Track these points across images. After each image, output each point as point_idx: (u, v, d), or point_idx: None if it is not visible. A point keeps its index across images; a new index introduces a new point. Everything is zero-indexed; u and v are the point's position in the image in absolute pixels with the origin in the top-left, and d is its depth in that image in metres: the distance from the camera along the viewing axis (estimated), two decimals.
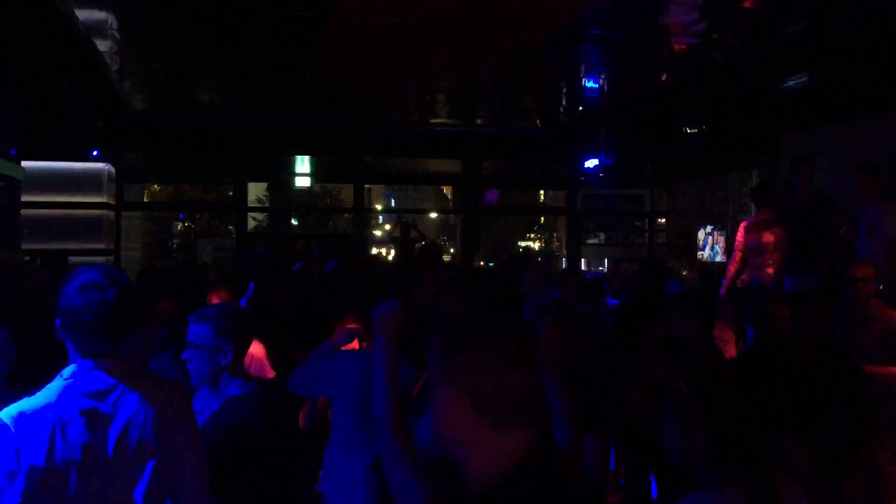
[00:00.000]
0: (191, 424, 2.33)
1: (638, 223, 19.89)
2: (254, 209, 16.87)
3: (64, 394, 2.10)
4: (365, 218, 14.68)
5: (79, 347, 2.16)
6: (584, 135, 11.68)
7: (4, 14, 5.46)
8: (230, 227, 21.95)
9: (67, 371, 2.15)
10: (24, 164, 7.53)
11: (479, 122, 13.03)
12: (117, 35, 7.51)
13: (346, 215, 22.20)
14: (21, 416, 2.03)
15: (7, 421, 2.02)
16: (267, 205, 18.39)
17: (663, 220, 16.28)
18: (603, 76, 9.21)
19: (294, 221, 22.27)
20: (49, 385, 2.13)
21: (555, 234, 30.25)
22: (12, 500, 1.97)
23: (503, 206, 23.43)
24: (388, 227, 33.75)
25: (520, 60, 8.32)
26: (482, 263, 13.16)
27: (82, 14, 6.74)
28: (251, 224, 16.70)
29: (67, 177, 10.50)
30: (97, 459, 2.08)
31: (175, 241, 23.10)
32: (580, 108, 11.19)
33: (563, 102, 11.01)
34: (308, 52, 7.91)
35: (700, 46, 7.56)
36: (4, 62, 5.87)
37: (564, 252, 16.14)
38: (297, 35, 7.35)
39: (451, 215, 30.08)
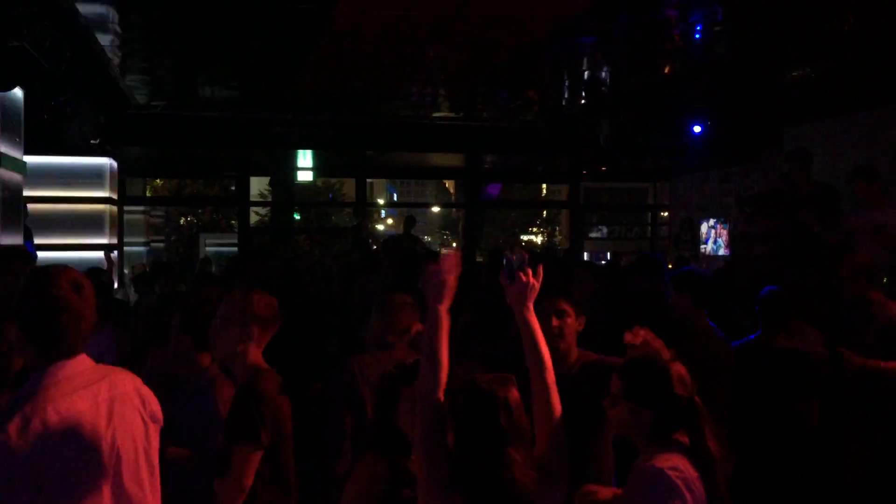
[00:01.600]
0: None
1: (640, 217, 19.89)
2: (256, 203, 16.89)
3: None
4: (367, 212, 14.70)
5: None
6: (587, 127, 11.67)
7: (6, 7, 5.46)
8: (233, 222, 22.01)
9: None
10: (27, 158, 7.54)
11: (482, 115, 13.03)
12: (118, 29, 7.51)
13: (347, 210, 22.24)
14: None
15: None
16: (269, 199, 18.41)
17: (665, 214, 16.28)
18: (605, 68, 9.21)
19: (296, 216, 22.29)
20: None
21: (557, 228, 30.25)
22: None
23: (505, 200, 23.46)
24: (390, 221, 33.79)
25: (521, 53, 8.31)
26: (484, 258, 13.19)
27: (83, 7, 6.75)
28: (253, 218, 16.72)
29: (70, 172, 10.52)
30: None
31: (173, 236, 23.13)
32: (582, 101, 11.19)
33: (566, 95, 11.00)
34: (310, 45, 7.91)
35: (701, 38, 7.56)
36: (6, 56, 5.87)
37: (567, 246, 16.12)
38: (298, 28, 7.35)
39: (454, 209, 30.09)
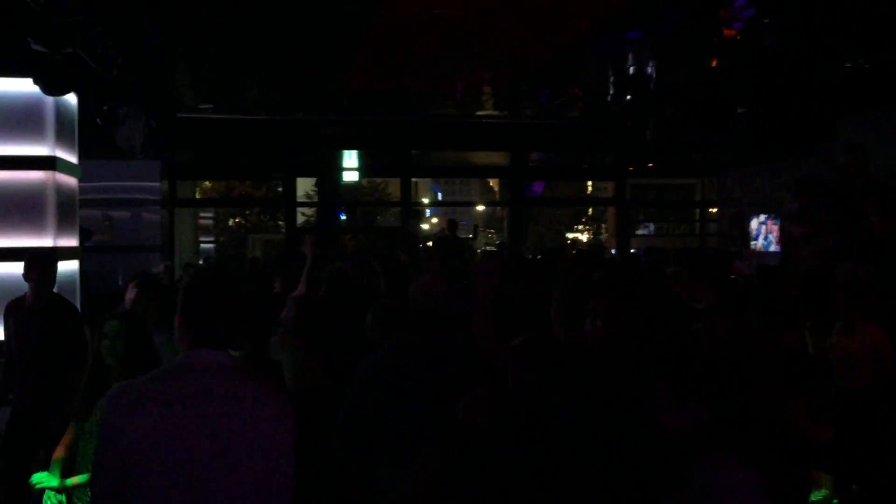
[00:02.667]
0: None
1: (688, 213, 19.60)
2: (303, 204, 17.06)
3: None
4: (411, 211, 14.75)
5: None
6: (632, 123, 11.57)
7: (60, 15, 5.60)
8: (280, 222, 22.28)
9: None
10: (80, 162, 7.73)
11: (525, 113, 12.99)
12: (167, 35, 7.67)
13: (393, 209, 22.35)
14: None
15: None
16: (315, 200, 18.59)
17: (714, 210, 16.02)
18: (650, 63, 9.11)
19: (342, 216, 22.46)
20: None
21: (603, 226, 29.98)
22: None
23: (550, 198, 23.30)
24: (434, 220, 33.84)
25: (565, 49, 8.26)
26: (530, 256, 13.14)
27: (133, 14, 6.91)
28: (300, 219, 16.90)
29: (122, 175, 10.76)
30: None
31: (222, 237, 23.53)
32: (627, 97, 11.08)
33: (611, 91, 10.91)
34: (354, 46, 7.97)
35: (750, 32, 7.42)
36: (62, 63, 6.03)
37: (614, 243, 15.98)
38: (343, 30, 7.41)
39: (498, 207, 30.01)
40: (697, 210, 17.32)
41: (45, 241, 6.69)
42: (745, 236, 13.63)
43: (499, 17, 6.94)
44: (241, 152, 13.69)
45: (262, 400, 2.27)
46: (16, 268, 6.39)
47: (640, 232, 20.78)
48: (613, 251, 14.92)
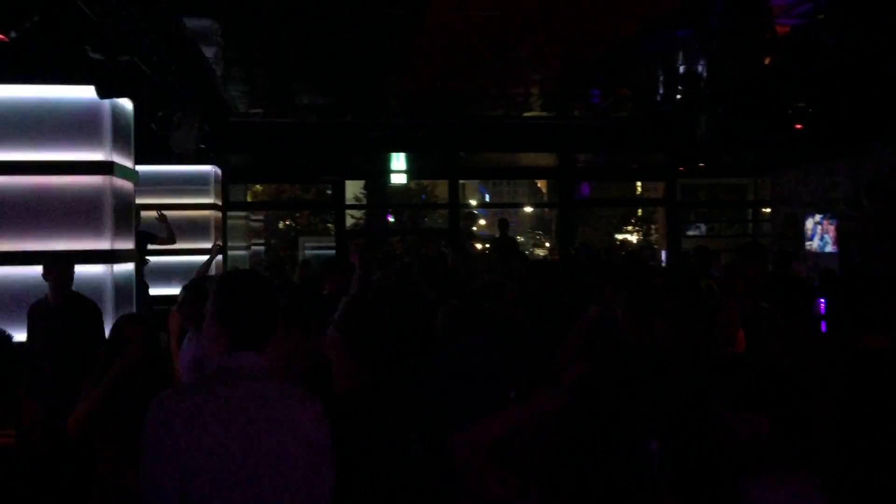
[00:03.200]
0: None
1: (740, 213, 19.28)
2: (352, 207, 17.21)
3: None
4: (459, 213, 14.77)
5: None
6: (683, 122, 11.40)
7: (116, 22, 5.74)
8: (329, 225, 22.51)
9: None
10: (137, 167, 7.92)
11: (574, 113, 12.91)
12: (220, 41, 7.81)
13: (440, 211, 22.39)
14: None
15: None
16: (364, 202, 18.74)
17: (768, 210, 15.72)
18: (702, 61, 8.98)
19: (390, 218, 22.60)
20: None
21: (653, 227, 29.63)
22: None
23: (599, 199, 23.10)
24: (482, 222, 33.81)
25: (614, 49, 8.19)
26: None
27: (188, 21, 7.05)
28: (349, 221, 17.06)
29: (177, 179, 10.98)
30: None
31: (273, 239, 23.86)
32: (678, 96, 10.93)
33: (660, 90, 10.78)
34: (403, 49, 8.02)
35: (805, 28, 7.27)
36: (118, 70, 6.18)
37: (664, 244, 15.79)
38: (391, 34, 7.46)
39: (546, 209, 29.89)
40: (750, 210, 17.03)
41: (103, 244, 6.87)
42: (800, 237, 13.35)
43: (548, 19, 6.92)
44: (292, 156, 13.87)
45: (303, 401, 2.30)
46: (76, 269, 6.60)
47: (691, 233, 20.51)
48: (664, 253, 14.74)
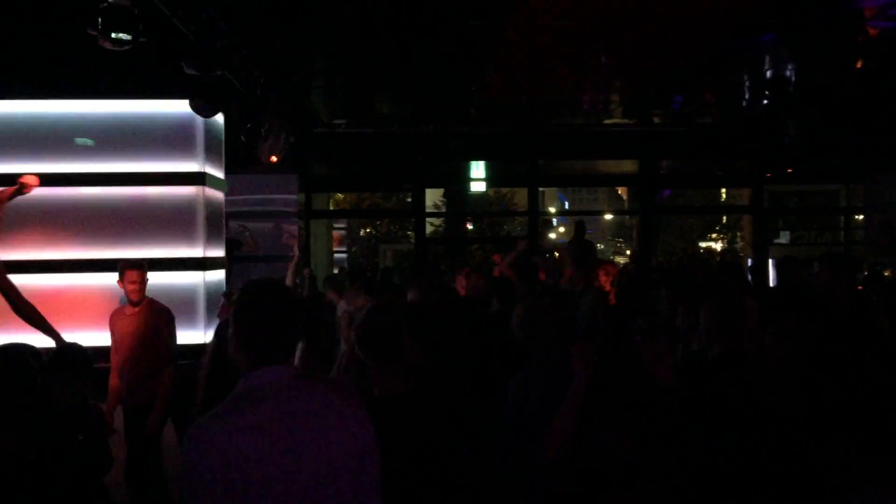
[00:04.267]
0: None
1: (831, 221, 18.61)
2: (431, 214, 17.35)
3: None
4: (539, 221, 14.72)
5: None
6: (770, 128, 11.13)
7: (210, 39, 5.99)
8: (409, 232, 22.77)
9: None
10: (226, 176, 8.20)
11: (655, 120, 12.74)
12: (304, 55, 8.04)
13: (519, 218, 22.36)
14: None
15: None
16: (443, 210, 18.88)
17: (860, 217, 15.13)
18: (790, 65, 8.75)
19: (469, 226, 22.70)
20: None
21: (738, 234, 28.88)
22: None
23: (682, 206, 22.66)
24: (562, 229, 33.60)
25: (698, 55, 8.07)
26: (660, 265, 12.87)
27: (274, 37, 7.29)
28: (428, 229, 17.22)
29: (263, 188, 11.32)
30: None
31: (354, 247, 24.26)
32: (764, 101, 10.67)
33: (746, 95, 10.54)
34: (483, 59, 8.09)
35: None
36: (211, 85, 6.44)
37: (750, 253, 15.39)
38: (471, 44, 7.54)
39: (627, 216, 29.48)
40: (842, 217, 16.43)
41: (196, 252, 7.15)
42: (895, 245, 12.81)
43: (629, 27, 6.88)
44: (373, 165, 14.10)
45: (344, 405, 2.26)
46: (170, 276, 6.90)
47: (778, 241, 19.90)
48: (749, 261, 14.35)
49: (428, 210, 15.58)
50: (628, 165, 14.68)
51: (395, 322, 2.92)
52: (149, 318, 5.17)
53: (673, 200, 18.58)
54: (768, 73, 9.18)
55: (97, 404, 3.89)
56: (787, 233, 20.73)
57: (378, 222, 26.10)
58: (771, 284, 10.90)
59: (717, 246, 31.76)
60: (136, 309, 5.18)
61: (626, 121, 12.52)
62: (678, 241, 29.84)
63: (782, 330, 2.85)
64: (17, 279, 6.20)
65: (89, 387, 3.72)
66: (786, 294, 4.44)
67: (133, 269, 5.15)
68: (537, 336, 3.48)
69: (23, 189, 6.05)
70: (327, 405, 2.22)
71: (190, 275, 7.11)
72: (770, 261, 13.42)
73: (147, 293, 5.25)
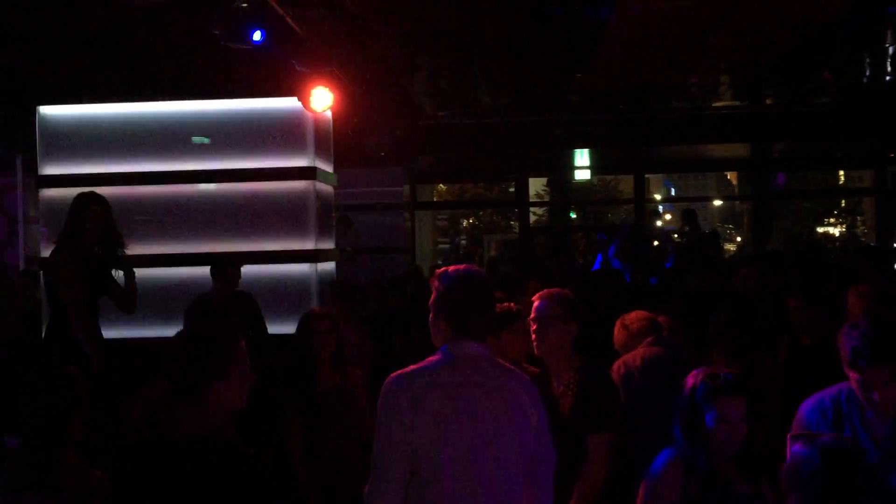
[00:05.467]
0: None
1: None
2: (535, 204, 17.25)
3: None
4: (645, 208, 14.43)
5: None
6: (894, 106, 10.53)
7: (320, 38, 6.15)
8: (512, 223, 22.69)
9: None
10: (335, 170, 8.39)
11: (767, 101, 12.27)
12: (410, 48, 8.13)
13: (624, 206, 21.93)
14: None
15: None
16: (547, 199, 18.74)
17: None
18: None
19: (572, 214, 22.42)
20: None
21: (859, 219, 27.44)
22: None
23: (797, 190, 21.66)
24: (668, 216, 32.82)
25: (814, 32, 7.71)
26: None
27: (384, 31, 7.40)
28: (531, 218, 17.12)
29: (369, 181, 11.52)
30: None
31: (462, 238, 24.34)
32: (888, 77, 10.09)
33: (867, 72, 10.01)
34: (589, 46, 7.98)
35: None
36: (320, 80, 6.59)
37: (872, 237, 14.61)
38: (577, 31, 7.45)
39: (737, 202, 28.44)
40: None
41: (307, 245, 7.34)
42: None
43: (743, 4, 6.64)
44: (476, 155, 14.14)
45: (521, 385, 2.49)
46: (283, 269, 7.13)
47: None
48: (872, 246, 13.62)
49: (531, 199, 15.51)
50: (739, 149, 14.21)
51: None
52: None
53: (787, 184, 17.77)
54: (891, 49, 8.71)
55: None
56: None
57: (481, 213, 26.10)
58: None
59: (836, 231, 30.26)
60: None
61: (736, 102, 12.10)
62: (793, 226, 28.59)
63: None
64: (139, 273, 6.50)
65: None
66: None
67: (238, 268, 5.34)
68: None
69: None
70: (511, 384, 2.45)
71: (302, 267, 7.30)
72: None
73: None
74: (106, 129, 7.21)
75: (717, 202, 33.38)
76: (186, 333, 2.46)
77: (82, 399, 2.78)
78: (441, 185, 21.97)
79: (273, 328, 6.35)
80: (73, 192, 5.74)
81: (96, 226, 5.05)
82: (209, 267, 6.24)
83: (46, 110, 7.14)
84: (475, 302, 2.47)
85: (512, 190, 15.81)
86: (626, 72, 9.35)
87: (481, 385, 2.39)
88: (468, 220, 26.10)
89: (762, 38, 7.95)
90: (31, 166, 7.44)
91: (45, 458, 2.64)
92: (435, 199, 19.77)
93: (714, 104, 12.15)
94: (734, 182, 31.78)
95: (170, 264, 7.27)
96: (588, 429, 3.20)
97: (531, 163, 14.09)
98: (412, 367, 2.44)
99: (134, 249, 6.72)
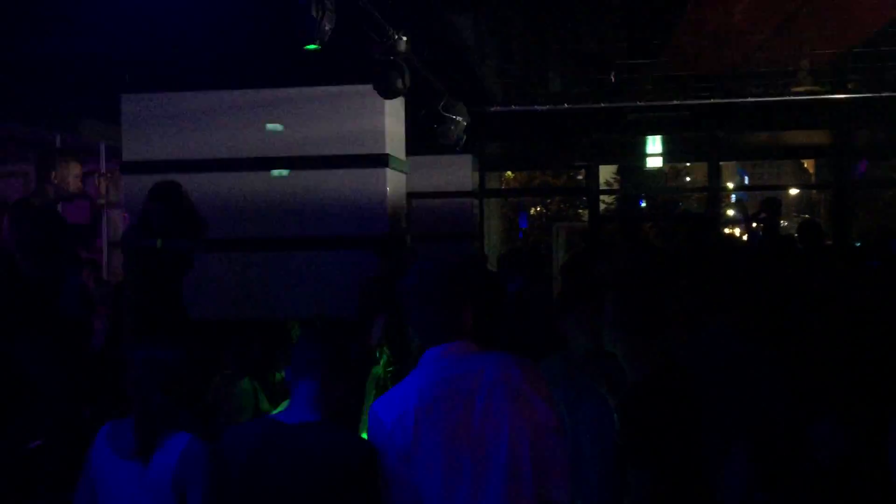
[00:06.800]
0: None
1: None
2: (605, 192, 17.04)
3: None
4: (719, 197, 14.11)
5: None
6: None
7: (397, 25, 6.16)
8: (580, 210, 22.50)
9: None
10: (407, 157, 8.43)
11: (849, 86, 11.80)
12: (479, 34, 8.09)
13: (696, 195, 21.50)
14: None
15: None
16: (615, 187, 18.51)
17: None
18: None
19: (642, 203, 22.07)
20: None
21: None
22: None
23: (882, 179, 20.81)
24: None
25: None
26: (857, 245, 11.89)
27: (456, 19, 7.38)
28: (600, 207, 16.91)
29: (440, 168, 11.55)
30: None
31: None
32: None
33: None
34: (666, 30, 7.81)
35: None
36: (393, 67, 6.61)
37: None
38: (655, 13, 7.30)
39: (813, 191, 27.60)
40: None
41: (379, 231, 7.41)
42: None
43: None
44: (546, 142, 14.01)
45: (533, 382, 2.34)
46: (356, 255, 7.21)
47: None
48: None
49: (600, 187, 15.32)
50: (817, 136, 13.75)
51: None
52: None
53: (870, 173, 17.12)
54: None
55: None
56: None
57: (549, 201, 25.95)
58: None
59: None
60: None
61: (817, 88, 11.68)
62: (876, 217, 27.57)
63: None
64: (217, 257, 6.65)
65: None
66: None
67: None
68: None
69: None
70: (509, 380, 2.28)
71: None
72: None
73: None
74: (186, 116, 7.42)
75: (793, 191, 32.48)
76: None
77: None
78: (508, 172, 21.93)
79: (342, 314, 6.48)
80: (155, 178, 5.94)
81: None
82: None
83: (130, 98, 7.39)
84: (432, 304, 2.35)
85: (580, 178, 15.64)
86: (701, 57, 9.13)
87: (470, 390, 2.32)
88: (536, 208, 25.98)
89: (849, 20, 7.65)
90: (116, 153, 7.72)
91: None
92: (503, 187, 19.73)
93: (793, 89, 11.75)
94: (810, 170, 30.86)
95: (243, 249, 7.44)
96: None
97: (602, 150, 13.89)
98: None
99: (213, 234, 6.90)
